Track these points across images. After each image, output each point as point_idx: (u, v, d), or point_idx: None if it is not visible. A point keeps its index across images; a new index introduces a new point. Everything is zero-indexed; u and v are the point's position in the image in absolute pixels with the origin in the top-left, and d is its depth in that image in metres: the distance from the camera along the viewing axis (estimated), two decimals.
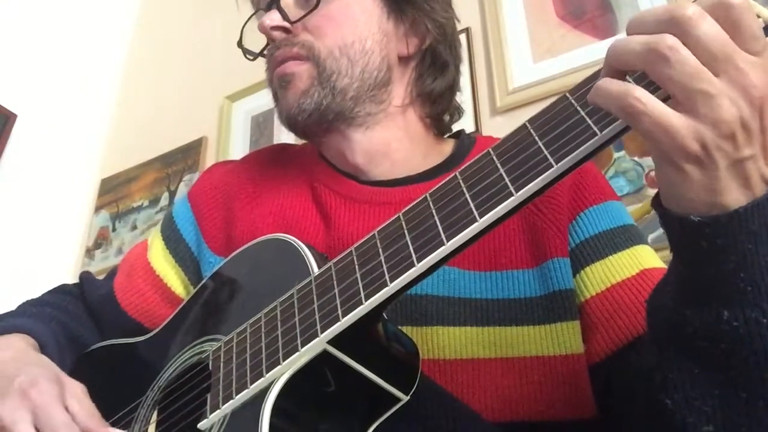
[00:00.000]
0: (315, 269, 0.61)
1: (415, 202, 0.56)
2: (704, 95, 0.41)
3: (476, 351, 0.69)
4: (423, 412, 0.62)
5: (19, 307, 0.88)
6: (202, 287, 0.77)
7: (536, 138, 0.49)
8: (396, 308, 0.70)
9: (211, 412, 0.58)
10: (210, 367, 0.63)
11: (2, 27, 2.12)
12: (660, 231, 1.23)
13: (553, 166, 0.47)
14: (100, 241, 2.18)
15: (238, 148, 2.03)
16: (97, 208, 2.26)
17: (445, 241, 0.50)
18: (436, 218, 0.52)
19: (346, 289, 0.55)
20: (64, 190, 2.22)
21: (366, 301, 0.53)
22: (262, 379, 0.56)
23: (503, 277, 0.72)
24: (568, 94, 0.50)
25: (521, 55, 1.59)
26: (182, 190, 2.07)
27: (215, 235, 0.87)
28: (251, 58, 0.88)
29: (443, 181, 0.54)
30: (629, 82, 0.46)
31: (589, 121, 0.47)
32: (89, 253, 2.17)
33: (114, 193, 2.25)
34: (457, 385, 0.67)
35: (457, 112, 0.93)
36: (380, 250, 0.55)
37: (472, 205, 0.50)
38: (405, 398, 0.58)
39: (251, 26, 0.89)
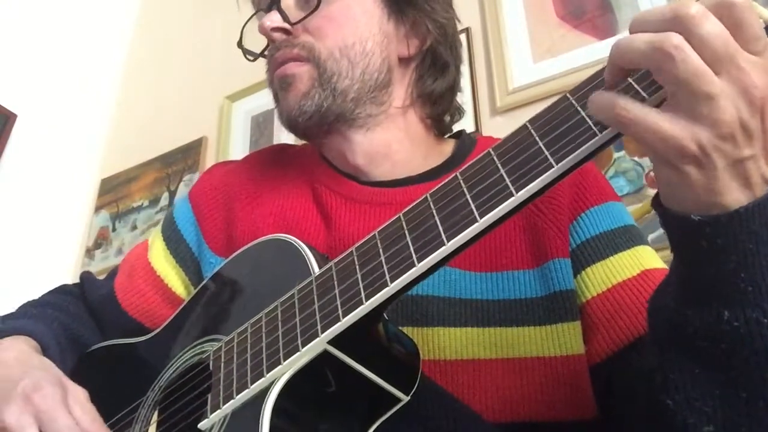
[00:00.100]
0: (316, 269, 0.61)
1: (415, 203, 0.56)
2: (705, 96, 0.42)
3: (477, 352, 0.69)
4: (423, 413, 0.62)
5: (20, 308, 0.88)
6: (202, 287, 0.77)
7: (537, 138, 0.49)
8: (397, 309, 0.70)
9: (211, 412, 0.58)
10: (211, 367, 0.63)
11: (2, 27, 2.12)
12: (660, 231, 1.23)
13: (553, 167, 0.47)
14: (100, 241, 2.18)
15: (238, 148, 2.03)
16: (97, 208, 2.26)
17: (445, 241, 0.50)
18: (436, 218, 0.52)
19: (347, 290, 0.55)
20: (64, 190, 2.22)
21: (366, 301, 0.53)
22: (263, 379, 0.56)
23: (504, 277, 0.72)
24: (568, 95, 0.50)
25: (521, 55, 1.59)
26: (182, 190, 2.07)
27: (216, 236, 0.87)
28: (251, 58, 0.88)
29: (444, 182, 0.54)
30: (629, 82, 0.46)
31: (590, 122, 0.47)
32: (89, 253, 2.17)
33: (114, 193, 2.25)
34: (458, 386, 0.67)
35: (457, 112, 0.93)
36: (381, 250, 0.55)
37: (472, 205, 0.50)
38: (405, 399, 0.58)
39: (251, 26, 0.89)
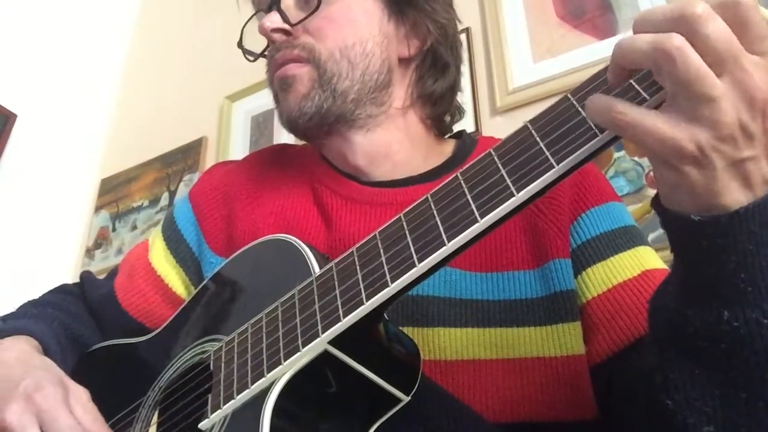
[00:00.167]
0: (316, 270, 0.61)
1: (416, 203, 0.56)
2: (706, 98, 0.41)
3: (477, 352, 0.69)
4: (424, 413, 0.62)
5: (21, 308, 0.88)
6: (203, 288, 0.77)
7: (537, 139, 0.49)
8: (397, 309, 0.70)
9: (212, 412, 0.58)
10: (211, 367, 0.63)
11: (2, 27, 2.12)
12: (660, 231, 1.23)
13: (554, 167, 0.47)
14: (100, 241, 2.18)
15: (238, 148, 2.03)
16: (97, 208, 2.26)
17: (446, 241, 0.50)
18: (437, 219, 0.52)
19: (348, 290, 0.55)
20: (64, 190, 2.22)
21: (367, 301, 0.53)
22: (263, 379, 0.56)
23: (504, 278, 0.72)
24: (569, 95, 0.50)
25: (521, 55, 1.59)
26: (182, 190, 2.07)
27: (216, 236, 0.87)
28: (252, 59, 0.88)
29: (444, 182, 0.54)
30: (630, 83, 0.46)
31: (591, 122, 0.47)
32: (89, 253, 2.17)
33: (114, 193, 2.25)
34: (458, 386, 0.67)
35: (458, 112, 0.93)
36: (381, 250, 0.55)
37: (473, 205, 0.50)
38: (406, 399, 0.58)
39: (251, 26, 0.89)
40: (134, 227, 2.13)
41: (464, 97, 0.95)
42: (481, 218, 0.49)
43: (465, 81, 1.25)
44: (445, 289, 0.71)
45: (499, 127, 1.53)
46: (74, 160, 2.27)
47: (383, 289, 0.52)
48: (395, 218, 0.56)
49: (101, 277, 0.97)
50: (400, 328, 0.64)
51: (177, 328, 0.76)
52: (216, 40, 2.21)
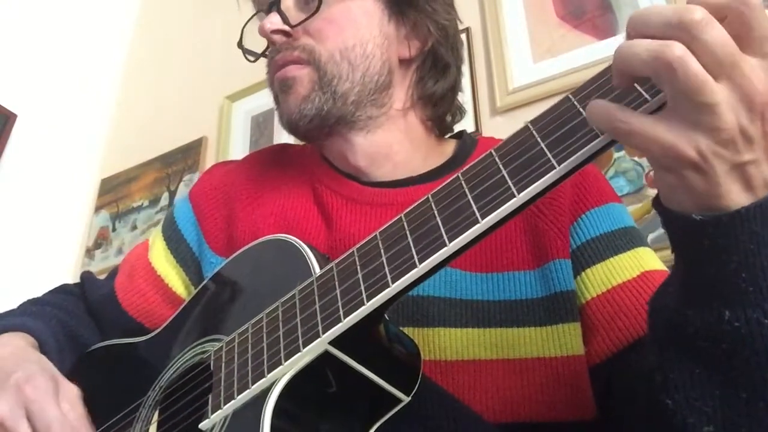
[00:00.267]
0: (317, 270, 0.61)
1: (417, 203, 0.55)
2: (705, 105, 0.42)
3: (477, 352, 0.69)
4: (424, 413, 0.62)
5: (20, 305, 0.89)
6: (203, 287, 0.77)
7: (539, 139, 0.49)
8: (397, 309, 0.70)
9: (212, 413, 0.58)
10: (211, 367, 0.63)
11: (2, 27, 2.12)
12: (660, 231, 1.24)
13: (555, 168, 0.47)
14: (100, 241, 2.18)
15: (238, 148, 2.03)
16: (97, 208, 2.26)
17: (447, 242, 0.50)
18: (438, 219, 0.52)
19: (348, 290, 0.55)
20: (64, 190, 2.22)
21: (368, 302, 0.53)
22: (264, 379, 0.56)
23: (504, 278, 0.72)
24: (570, 96, 0.49)
25: (521, 55, 1.60)
26: (182, 190, 2.07)
27: (216, 236, 0.87)
28: (252, 59, 0.88)
29: (445, 182, 0.54)
30: (636, 86, 0.46)
31: None
32: (89, 253, 2.17)
33: (114, 193, 2.25)
34: (458, 387, 0.67)
35: (458, 112, 0.93)
36: (382, 251, 0.55)
37: (474, 206, 0.50)
38: (406, 399, 0.58)
39: (251, 26, 0.89)
40: (134, 227, 2.13)
41: (464, 97, 0.95)
42: (482, 219, 0.49)
43: (465, 81, 1.25)
44: (445, 290, 0.71)
45: (499, 127, 1.53)
46: (74, 160, 2.27)
47: (384, 290, 0.52)
48: (396, 218, 0.56)
49: (101, 277, 0.97)
50: (401, 328, 0.64)
51: (177, 328, 0.76)
52: (216, 40, 2.21)
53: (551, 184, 0.48)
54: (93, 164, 2.34)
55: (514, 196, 0.48)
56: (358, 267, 0.56)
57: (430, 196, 0.55)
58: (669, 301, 0.52)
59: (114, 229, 2.17)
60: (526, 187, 0.48)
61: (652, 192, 1.30)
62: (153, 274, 0.89)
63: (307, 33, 0.81)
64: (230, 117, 2.10)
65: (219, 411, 0.58)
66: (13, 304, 0.89)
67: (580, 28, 1.55)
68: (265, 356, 0.57)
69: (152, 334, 0.80)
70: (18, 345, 0.75)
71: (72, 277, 2.08)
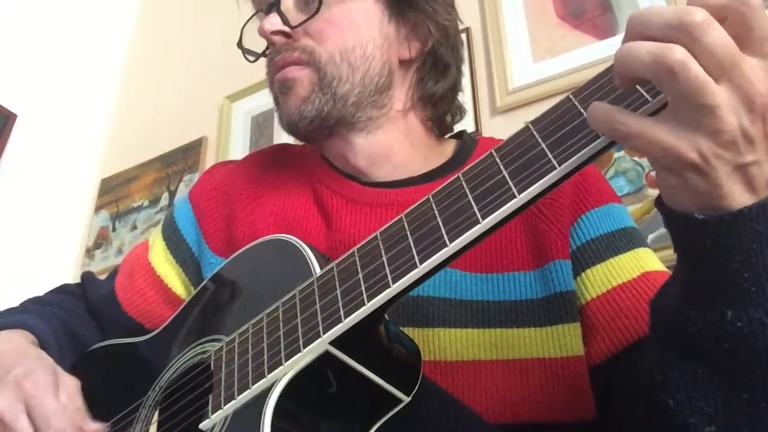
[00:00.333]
0: (317, 270, 0.61)
1: (417, 204, 0.55)
2: (706, 108, 0.42)
3: (477, 353, 0.69)
4: (424, 413, 0.62)
5: (21, 304, 0.89)
6: (203, 288, 0.77)
7: (539, 140, 0.49)
8: (397, 310, 0.70)
9: (212, 413, 0.58)
10: (212, 368, 0.63)
11: (2, 27, 2.12)
12: (660, 231, 1.24)
13: (556, 168, 0.47)
14: (100, 241, 2.18)
15: (238, 148, 2.03)
16: (97, 208, 2.26)
17: (447, 242, 0.50)
18: (438, 219, 0.52)
19: (349, 290, 0.55)
20: (64, 190, 2.22)
21: (368, 302, 0.53)
22: (264, 379, 0.56)
23: (504, 279, 0.72)
24: (571, 96, 0.49)
25: (521, 55, 1.60)
26: (182, 190, 2.07)
27: (216, 236, 0.87)
28: (252, 60, 0.88)
29: (446, 183, 0.54)
30: (637, 87, 0.46)
31: None
32: (89, 253, 2.17)
33: (114, 193, 2.25)
34: (458, 387, 0.67)
35: (459, 112, 0.93)
36: (382, 251, 0.55)
37: (475, 206, 0.50)
38: (406, 399, 0.57)
39: (251, 26, 0.89)
40: (134, 227, 2.13)
41: (464, 97, 0.95)
42: (483, 219, 0.49)
43: (465, 81, 1.25)
44: (445, 290, 0.71)
45: (499, 127, 1.53)
46: (74, 160, 2.27)
47: (384, 290, 0.52)
48: (396, 219, 0.56)
49: (102, 277, 0.97)
50: (401, 328, 0.64)
51: (177, 328, 0.76)
52: (216, 40, 2.21)
53: (552, 184, 0.48)
54: (93, 164, 2.34)
55: (515, 197, 0.48)
56: (359, 267, 0.56)
57: (430, 196, 0.55)
58: (671, 302, 0.52)
59: (114, 229, 2.17)
60: (527, 188, 0.48)
61: (652, 192, 1.30)
62: (153, 274, 0.89)
63: (307, 34, 0.81)
64: (230, 117, 2.10)
65: (219, 411, 0.58)
66: (14, 303, 0.89)
67: (580, 28, 1.55)
68: (265, 356, 0.57)
69: (152, 334, 0.80)
70: (18, 342, 0.75)
71: (72, 277, 2.08)
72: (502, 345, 0.69)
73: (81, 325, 0.87)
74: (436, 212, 0.53)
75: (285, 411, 0.54)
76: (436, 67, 0.86)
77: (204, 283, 0.77)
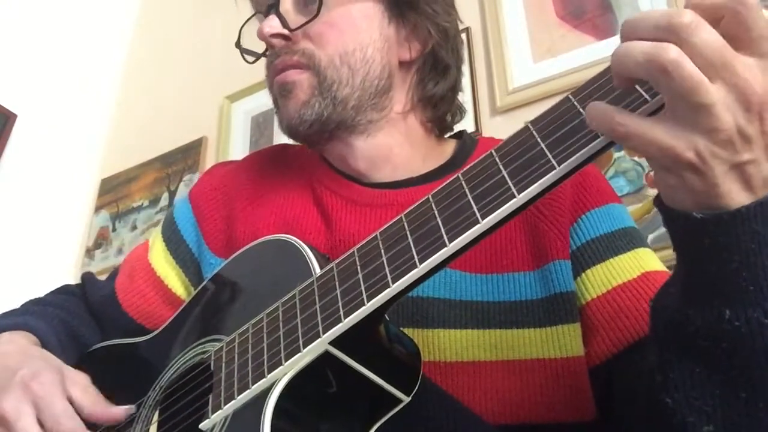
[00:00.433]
0: (317, 270, 0.61)
1: (417, 204, 0.55)
2: (701, 106, 0.42)
3: (477, 353, 0.69)
4: (424, 413, 0.62)
5: (22, 305, 0.89)
6: (203, 288, 0.77)
7: (539, 140, 0.49)
8: (397, 310, 0.70)
9: (212, 413, 0.58)
10: (212, 368, 0.63)
11: (2, 27, 2.12)
12: (660, 231, 1.24)
13: (555, 168, 0.47)
14: (100, 241, 2.18)
15: (238, 148, 2.03)
16: (97, 208, 2.26)
17: (447, 242, 0.50)
18: (438, 219, 0.52)
19: (348, 290, 0.55)
20: (64, 190, 2.22)
21: (368, 302, 0.53)
22: (264, 379, 0.56)
23: (504, 279, 0.72)
24: (570, 96, 0.50)
25: (521, 55, 1.60)
26: (182, 190, 2.07)
27: (216, 236, 0.87)
28: (250, 61, 0.87)
29: (445, 183, 0.54)
30: (636, 87, 0.46)
31: None
32: (89, 253, 2.17)
33: (114, 193, 2.25)
34: (458, 388, 0.67)
35: (459, 111, 0.92)
36: (382, 251, 0.55)
37: (474, 206, 0.50)
38: (406, 399, 0.58)
39: (250, 27, 0.88)
40: (134, 227, 2.13)
41: (464, 97, 0.95)
42: (483, 219, 0.49)
43: (465, 81, 1.25)
44: (445, 291, 0.71)
45: (499, 127, 1.53)
46: (74, 160, 2.27)
47: (384, 290, 0.52)
48: (396, 219, 0.56)
49: (102, 277, 0.97)
50: (400, 329, 0.64)
51: (177, 328, 0.76)
52: (216, 40, 2.21)
53: (551, 184, 0.48)
54: (93, 164, 2.34)
55: (515, 197, 0.48)
56: (359, 267, 0.56)
57: (430, 196, 0.55)
58: (670, 302, 0.52)
59: (114, 229, 2.17)
60: (527, 188, 0.48)
61: (652, 192, 1.30)
62: (153, 275, 0.89)
63: (307, 37, 0.80)
64: (230, 117, 2.10)
65: (219, 411, 0.58)
66: (14, 304, 0.89)
67: (580, 28, 1.55)
68: (265, 356, 0.57)
69: (153, 334, 0.80)
70: (20, 343, 0.76)
71: (72, 277, 2.08)
72: (501, 346, 0.69)
73: (82, 326, 0.87)
74: (436, 212, 0.53)
75: (285, 411, 0.54)
76: (436, 68, 0.86)
77: (204, 283, 0.78)
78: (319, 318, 0.55)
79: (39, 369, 0.67)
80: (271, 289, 0.64)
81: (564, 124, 0.48)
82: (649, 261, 0.72)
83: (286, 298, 0.61)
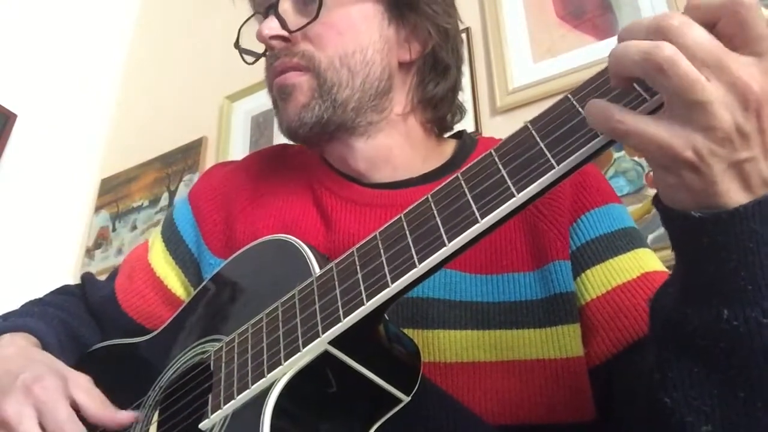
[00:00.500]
0: (316, 270, 0.61)
1: (416, 203, 0.56)
2: (698, 104, 0.42)
3: (477, 354, 0.68)
4: (424, 413, 0.62)
5: (22, 306, 0.89)
6: (203, 288, 0.77)
7: (538, 139, 0.49)
8: (397, 311, 0.70)
9: (212, 413, 0.58)
10: (211, 368, 0.63)
11: (2, 27, 2.12)
12: (660, 231, 1.24)
13: (554, 168, 0.47)
14: (100, 241, 2.18)
15: (238, 148, 2.03)
16: (97, 208, 2.26)
17: (446, 242, 0.50)
18: (437, 219, 0.52)
19: (348, 290, 0.55)
20: (64, 190, 2.22)
21: (367, 301, 0.53)
22: (264, 379, 0.56)
23: (504, 280, 0.72)
24: (569, 95, 0.50)
25: (521, 55, 1.60)
26: (182, 190, 2.07)
27: (215, 237, 0.87)
28: (250, 62, 0.87)
29: (445, 182, 0.54)
30: (635, 86, 0.46)
31: None
32: (89, 253, 2.17)
33: (114, 193, 2.25)
34: (458, 388, 0.67)
35: (459, 111, 0.92)
36: (382, 251, 0.55)
37: (473, 206, 0.50)
38: (406, 399, 0.58)
39: (249, 27, 0.88)
40: (134, 227, 2.13)
41: (464, 97, 0.95)
42: (482, 218, 0.49)
43: (465, 81, 1.24)
44: (444, 291, 0.71)
45: (499, 127, 1.53)
46: (74, 160, 2.27)
47: (384, 290, 0.52)
48: (395, 219, 0.56)
49: (102, 277, 0.97)
50: (400, 329, 0.64)
51: (177, 328, 0.76)
52: (216, 40, 2.21)
53: (551, 183, 0.48)
54: (93, 164, 2.34)
55: (514, 196, 0.48)
56: (358, 267, 0.56)
57: (429, 196, 0.55)
58: (669, 301, 0.52)
59: (114, 229, 2.17)
60: (526, 187, 0.48)
61: (652, 192, 1.30)
62: (152, 275, 0.89)
63: (307, 38, 0.79)
64: (230, 117, 2.10)
65: (219, 411, 0.58)
66: (14, 304, 0.89)
67: (580, 28, 1.55)
68: (264, 356, 0.57)
69: (152, 334, 0.80)
70: (21, 345, 0.75)
71: (72, 278, 2.08)
72: (501, 346, 0.69)
73: (82, 326, 0.87)
74: (435, 212, 0.53)
75: (284, 411, 0.54)
76: (436, 69, 0.85)
77: (204, 283, 0.78)
78: (318, 318, 0.55)
79: (41, 373, 0.66)
80: (270, 289, 0.64)
81: (563, 124, 0.48)
82: (648, 261, 0.72)
83: (285, 298, 0.61)
